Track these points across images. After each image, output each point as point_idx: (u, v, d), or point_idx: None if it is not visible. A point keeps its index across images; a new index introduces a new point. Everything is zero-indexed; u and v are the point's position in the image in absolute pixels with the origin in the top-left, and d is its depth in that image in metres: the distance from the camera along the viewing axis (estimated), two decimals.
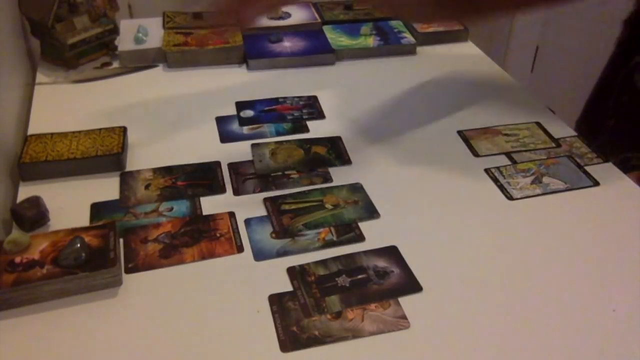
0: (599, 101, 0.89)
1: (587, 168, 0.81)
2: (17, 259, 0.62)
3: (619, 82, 0.86)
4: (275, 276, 0.64)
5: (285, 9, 1.19)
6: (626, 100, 0.84)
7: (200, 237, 0.69)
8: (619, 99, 0.85)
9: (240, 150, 0.85)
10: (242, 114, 0.94)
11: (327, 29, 1.16)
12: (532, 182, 0.79)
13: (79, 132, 0.83)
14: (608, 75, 0.91)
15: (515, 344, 0.58)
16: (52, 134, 0.83)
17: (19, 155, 0.78)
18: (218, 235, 0.69)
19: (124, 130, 0.84)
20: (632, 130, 0.83)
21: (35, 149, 0.79)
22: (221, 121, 0.92)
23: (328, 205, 0.74)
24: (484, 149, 0.86)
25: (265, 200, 0.75)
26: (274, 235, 0.70)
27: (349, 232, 0.70)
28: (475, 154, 0.85)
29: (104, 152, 0.79)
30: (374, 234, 0.70)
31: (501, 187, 0.78)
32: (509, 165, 0.82)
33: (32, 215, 0.69)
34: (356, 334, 0.58)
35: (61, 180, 0.78)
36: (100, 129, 0.84)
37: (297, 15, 1.20)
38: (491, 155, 0.84)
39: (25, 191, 0.75)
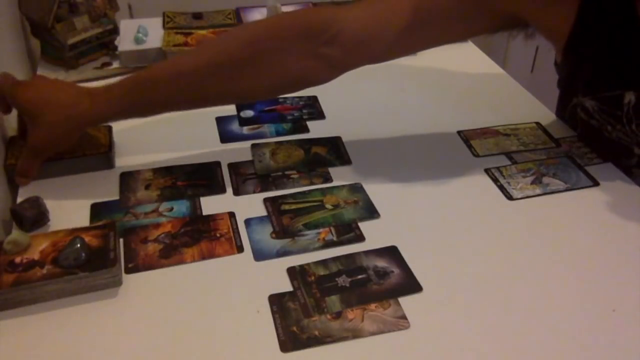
0: None
1: (587, 168, 0.81)
2: (17, 259, 0.62)
3: (567, 119, 0.89)
4: (275, 276, 0.64)
5: (284, 8, 1.19)
6: (579, 132, 0.87)
7: (200, 237, 0.69)
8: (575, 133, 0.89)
9: (240, 150, 0.85)
10: (242, 114, 0.94)
11: None
12: (532, 182, 0.79)
13: None
14: (557, 114, 0.94)
15: (515, 343, 0.58)
16: None
17: (5, 157, 0.78)
18: (218, 235, 0.69)
19: (109, 129, 0.84)
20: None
21: (22, 150, 0.79)
22: (221, 121, 0.92)
23: (328, 205, 0.74)
24: (484, 149, 0.86)
25: (265, 200, 0.75)
26: (274, 235, 0.70)
27: (349, 232, 0.70)
28: (475, 154, 0.85)
29: (92, 152, 0.80)
30: (374, 234, 0.70)
31: (501, 187, 0.78)
32: (509, 165, 0.82)
33: (32, 215, 0.69)
34: (356, 334, 0.58)
35: (61, 180, 0.78)
36: None
37: None
38: (491, 155, 0.84)
39: (26, 191, 0.75)
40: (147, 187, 0.77)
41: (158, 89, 0.75)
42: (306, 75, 0.78)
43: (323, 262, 0.66)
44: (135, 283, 0.63)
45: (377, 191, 0.77)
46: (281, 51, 0.75)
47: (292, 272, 0.65)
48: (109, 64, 1.07)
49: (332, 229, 0.71)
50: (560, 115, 0.93)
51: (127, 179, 0.79)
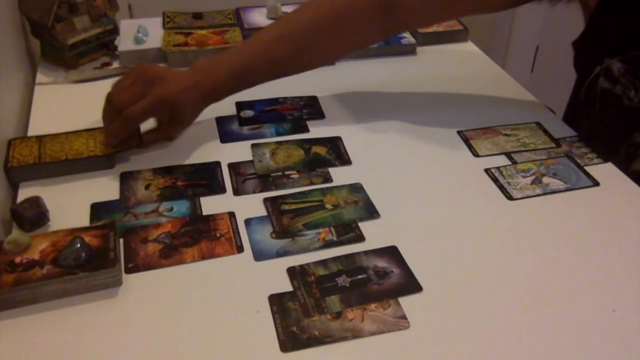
0: (572, 123, 0.92)
1: (587, 168, 0.81)
2: (17, 259, 0.62)
3: (585, 96, 0.88)
4: (275, 276, 0.64)
5: (284, 8, 1.19)
6: (597, 109, 0.86)
7: (200, 237, 0.69)
8: (590, 113, 0.87)
9: (240, 150, 0.85)
10: (242, 114, 0.94)
11: None
12: (532, 182, 0.79)
13: (66, 133, 0.83)
14: (573, 99, 0.94)
15: (515, 344, 0.58)
16: (36, 137, 0.83)
17: (5, 160, 0.78)
18: (218, 235, 0.69)
19: None
20: (606, 136, 0.86)
21: (21, 152, 0.79)
22: (221, 121, 0.92)
23: (328, 205, 0.74)
24: (484, 149, 0.86)
25: (265, 200, 0.75)
26: (274, 235, 0.70)
27: (349, 232, 0.70)
28: (475, 154, 0.85)
29: (95, 154, 0.79)
30: (374, 234, 0.70)
31: (501, 187, 0.78)
32: (509, 165, 0.82)
33: (32, 215, 0.69)
34: (356, 334, 0.58)
35: (61, 180, 0.78)
36: (86, 130, 0.84)
37: None
38: (491, 155, 0.84)
39: (26, 191, 0.75)
40: (147, 187, 0.77)
41: (254, 77, 0.87)
42: (369, 40, 0.94)
43: (323, 262, 0.66)
44: (135, 283, 0.63)
45: (377, 191, 0.77)
46: (358, 24, 0.87)
47: (292, 272, 0.65)
48: (108, 64, 1.07)
49: (332, 229, 0.71)
50: (574, 98, 0.91)
51: (127, 179, 0.79)
